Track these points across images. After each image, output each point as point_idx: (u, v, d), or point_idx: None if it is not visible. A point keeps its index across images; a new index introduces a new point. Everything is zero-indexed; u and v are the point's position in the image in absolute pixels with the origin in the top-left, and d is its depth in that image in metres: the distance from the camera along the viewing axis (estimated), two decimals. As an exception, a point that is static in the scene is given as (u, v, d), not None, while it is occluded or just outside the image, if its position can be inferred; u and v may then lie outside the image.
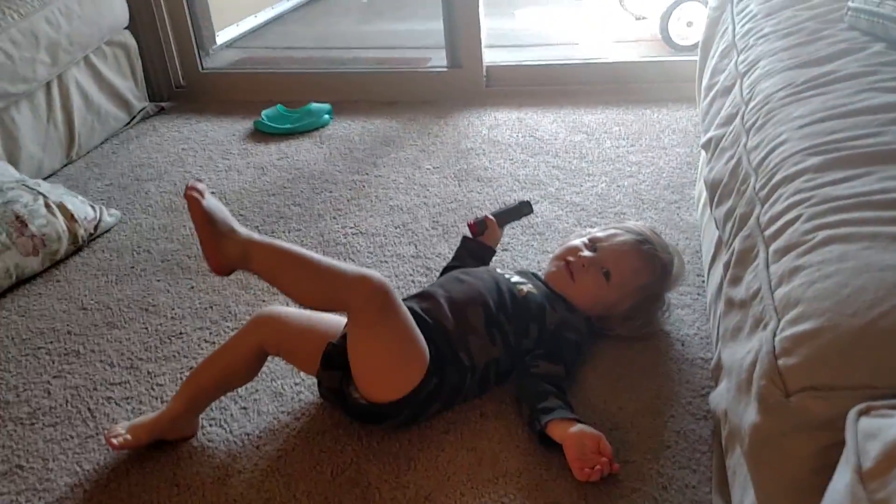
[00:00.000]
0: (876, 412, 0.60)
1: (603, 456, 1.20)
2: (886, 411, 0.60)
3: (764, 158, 1.06)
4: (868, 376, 0.68)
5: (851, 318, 0.71)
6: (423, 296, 1.41)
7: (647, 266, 1.48)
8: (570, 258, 1.48)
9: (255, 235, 1.25)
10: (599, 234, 1.52)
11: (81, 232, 1.92)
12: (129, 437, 1.31)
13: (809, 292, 0.76)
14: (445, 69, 2.71)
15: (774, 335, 0.75)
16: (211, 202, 1.23)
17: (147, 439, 1.32)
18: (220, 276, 1.23)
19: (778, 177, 0.98)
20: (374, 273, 1.25)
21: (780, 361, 0.72)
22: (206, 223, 1.21)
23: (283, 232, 1.97)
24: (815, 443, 0.71)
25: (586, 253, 1.48)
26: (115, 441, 1.30)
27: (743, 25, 1.54)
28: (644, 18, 3.25)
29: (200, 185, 1.23)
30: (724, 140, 1.27)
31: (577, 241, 1.52)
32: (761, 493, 0.79)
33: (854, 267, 0.76)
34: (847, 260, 0.77)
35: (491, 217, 1.65)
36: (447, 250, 1.81)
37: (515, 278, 1.47)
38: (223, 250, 1.22)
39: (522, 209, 1.69)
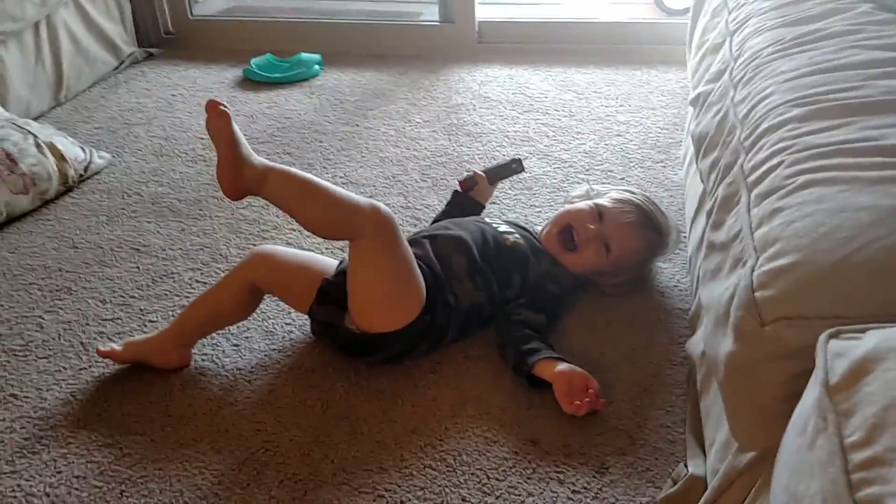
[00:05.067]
0: (845, 335, 0.65)
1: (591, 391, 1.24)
2: (854, 335, 0.64)
3: (750, 110, 1.09)
4: (838, 307, 0.73)
5: (826, 253, 0.75)
6: (410, 242, 1.43)
7: (647, 247, 1.50)
8: (576, 225, 1.47)
9: (273, 163, 1.26)
10: (605, 204, 1.49)
11: (72, 172, 1.93)
12: (117, 347, 1.36)
13: (788, 231, 0.80)
14: (437, 23, 2.71)
15: (753, 270, 0.79)
16: (236, 126, 1.20)
17: (132, 356, 1.36)
18: (232, 200, 1.24)
19: (762, 127, 1.02)
20: (382, 204, 1.28)
21: (757, 294, 0.76)
22: (233, 144, 1.19)
23: (274, 179, 1.98)
24: (786, 370, 0.75)
25: (593, 225, 1.46)
26: (102, 347, 1.35)
27: (734, -15, 1.56)
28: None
29: (225, 104, 1.19)
30: (711, 95, 1.30)
31: (583, 206, 1.50)
32: (734, 420, 0.84)
33: (830, 208, 0.80)
34: (824, 201, 0.81)
35: (480, 173, 1.66)
36: (436, 202, 1.84)
37: (503, 227, 1.49)
38: (243, 173, 1.21)
39: (513, 166, 1.69)
